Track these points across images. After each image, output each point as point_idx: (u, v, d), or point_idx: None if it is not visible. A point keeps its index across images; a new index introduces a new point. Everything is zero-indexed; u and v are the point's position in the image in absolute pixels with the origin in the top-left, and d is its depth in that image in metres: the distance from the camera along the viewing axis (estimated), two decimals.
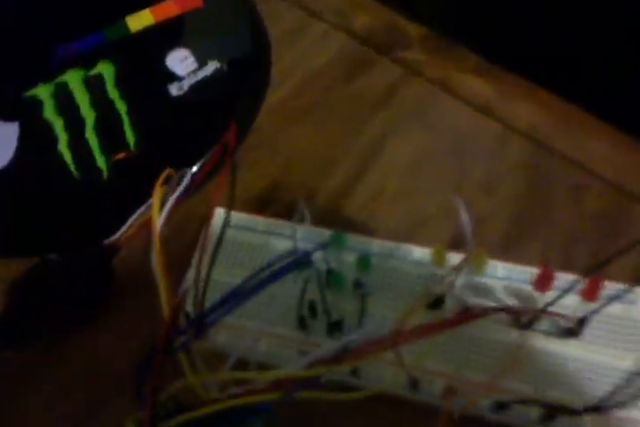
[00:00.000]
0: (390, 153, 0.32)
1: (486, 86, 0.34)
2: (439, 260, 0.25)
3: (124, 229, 0.26)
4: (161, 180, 0.21)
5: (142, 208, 0.26)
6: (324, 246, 0.24)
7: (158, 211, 0.20)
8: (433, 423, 0.20)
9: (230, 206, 0.23)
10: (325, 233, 0.27)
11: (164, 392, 0.20)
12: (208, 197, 0.26)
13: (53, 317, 0.25)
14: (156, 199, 0.20)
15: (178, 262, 0.26)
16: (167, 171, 0.22)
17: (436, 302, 0.25)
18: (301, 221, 0.25)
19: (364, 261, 0.25)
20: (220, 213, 0.27)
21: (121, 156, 0.29)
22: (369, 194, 0.31)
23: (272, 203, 0.30)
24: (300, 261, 0.22)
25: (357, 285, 0.25)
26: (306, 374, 0.19)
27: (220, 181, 0.25)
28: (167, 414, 0.20)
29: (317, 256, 0.24)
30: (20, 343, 0.25)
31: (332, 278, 0.25)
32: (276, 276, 0.20)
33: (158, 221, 0.20)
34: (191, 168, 0.25)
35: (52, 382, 0.25)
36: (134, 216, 0.26)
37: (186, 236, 0.28)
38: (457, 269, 0.23)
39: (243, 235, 0.28)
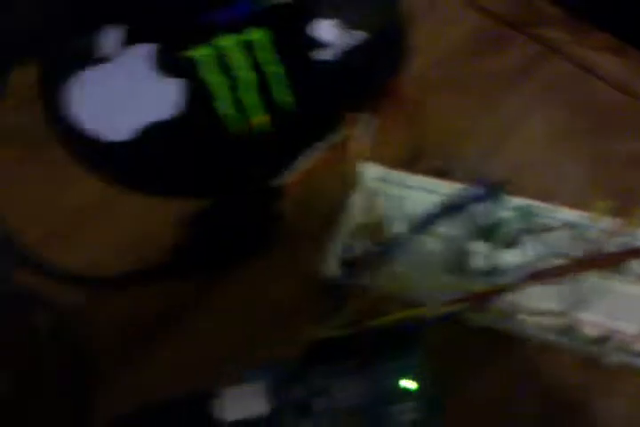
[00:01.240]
0: (528, 129, 0.32)
1: (624, 65, 0.34)
2: (597, 217, 0.25)
3: (286, 175, 0.28)
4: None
5: (302, 157, 0.28)
6: (479, 199, 0.25)
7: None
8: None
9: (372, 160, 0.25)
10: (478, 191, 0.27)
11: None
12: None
13: (221, 251, 0.27)
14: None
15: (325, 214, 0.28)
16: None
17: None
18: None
19: (525, 213, 0.26)
20: (368, 166, 0.29)
21: (259, 120, 0.31)
22: (506, 168, 0.31)
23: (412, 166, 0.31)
24: (456, 208, 0.23)
25: (513, 238, 0.26)
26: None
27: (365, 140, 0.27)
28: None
29: (473, 207, 0.25)
30: (187, 274, 0.27)
31: (489, 230, 0.25)
32: (435, 218, 0.21)
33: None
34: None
35: (209, 312, 0.27)
36: (296, 163, 0.28)
37: (332, 188, 0.29)
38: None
39: (390, 188, 0.28)
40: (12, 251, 0.28)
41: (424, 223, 0.24)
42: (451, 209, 0.24)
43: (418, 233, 0.24)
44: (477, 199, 0.24)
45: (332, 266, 0.26)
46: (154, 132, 0.31)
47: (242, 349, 0.26)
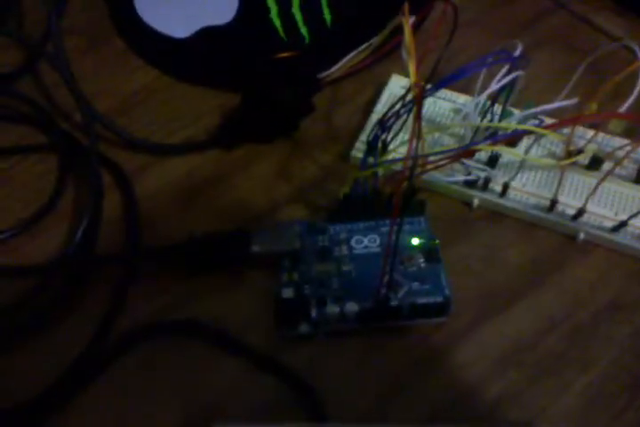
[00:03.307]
0: (534, 67, 0.36)
1: (619, 23, 0.39)
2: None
3: (325, 73, 0.32)
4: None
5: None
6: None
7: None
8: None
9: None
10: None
11: None
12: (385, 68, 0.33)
13: (260, 129, 0.31)
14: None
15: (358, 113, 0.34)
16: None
17: (594, 163, 0.30)
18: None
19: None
20: (396, 78, 0.33)
21: (285, 55, 0.35)
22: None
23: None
24: None
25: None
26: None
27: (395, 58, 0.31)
28: None
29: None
30: (232, 145, 0.31)
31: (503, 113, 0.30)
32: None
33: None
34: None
35: (250, 177, 0.32)
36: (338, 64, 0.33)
37: (364, 96, 0.34)
38: None
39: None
40: None
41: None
42: None
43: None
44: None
45: (360, 149, 0.31)
46: (208, 34, 0.35)
47: (274, 209, 0.31)
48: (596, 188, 0.28)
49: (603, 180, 0.27)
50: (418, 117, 0.24)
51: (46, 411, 0.26)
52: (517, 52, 0.28)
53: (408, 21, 0.27)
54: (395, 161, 0.29)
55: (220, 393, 0.26)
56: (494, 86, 0.29)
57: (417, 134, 0.24)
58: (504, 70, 0.28)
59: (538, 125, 0.30)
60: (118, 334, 0.27)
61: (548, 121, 0.30)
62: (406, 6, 0.28)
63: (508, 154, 0.31)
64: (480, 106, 0.31)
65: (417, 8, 0.35)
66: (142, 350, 0.27)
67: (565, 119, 0.25)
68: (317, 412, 0.26)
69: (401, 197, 0.24)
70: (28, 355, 0.27)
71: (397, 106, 0.29)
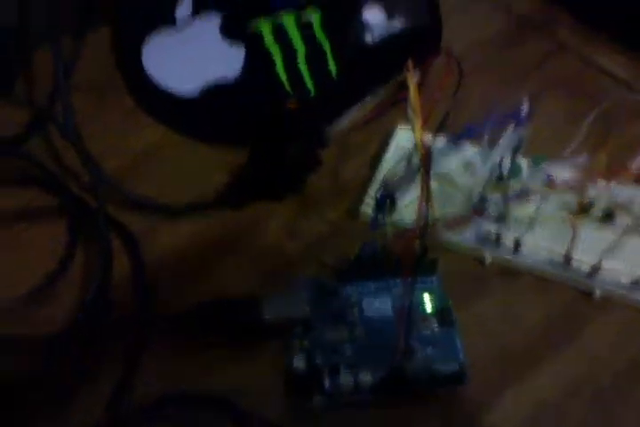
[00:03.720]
0: (540, 113, 0.36)
1: (627, 65, 0.39)
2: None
3: (331, 128, 0.32)
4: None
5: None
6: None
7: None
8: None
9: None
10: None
11: None
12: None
13: (266, 189, 0.31)
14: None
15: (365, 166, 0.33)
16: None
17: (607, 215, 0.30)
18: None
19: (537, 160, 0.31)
20: (402, 130, 0.33)
21: (292, 105, 0.35)
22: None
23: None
24: None
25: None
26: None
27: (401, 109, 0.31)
28: None
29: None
30: (240, 204, 0.31)
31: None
32: None
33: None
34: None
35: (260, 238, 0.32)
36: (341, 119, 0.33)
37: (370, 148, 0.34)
38: None
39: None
40: None
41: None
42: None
43: None
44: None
45: (369, 205, 0.31)
46: (216, 90, 0.35)
47: (283, 269, 0.30)
48: (612, 246, 0.27)
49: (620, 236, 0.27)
50: (426, 181, 0.24)
51: None
52: (524, 110, 0.28)
53: (413, 80, 0.27)
54: (403, 224, 0.29)
55: None
56: (502, 144, 0.29)
57: (426, 197, 0.24)
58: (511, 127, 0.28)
59: (548, 181, 0.30)
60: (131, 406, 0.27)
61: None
62: (410, 65, 0.28)
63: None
64: (488, 160, 0.31)
65: (421, 58, 0.35)
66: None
67: (575, 179, 0.25)
68: None
69: (412, 263, 0.24)
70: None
71: (403, 163, 0.29)
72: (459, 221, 0.27)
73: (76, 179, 0.33)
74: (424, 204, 0.25)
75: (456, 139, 0.27)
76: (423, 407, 0.27)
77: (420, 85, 0.28)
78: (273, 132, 0.32)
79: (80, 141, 0.32)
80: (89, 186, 0.32)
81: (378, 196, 0.30)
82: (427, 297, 0.28)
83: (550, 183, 0.30)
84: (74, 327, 0.28)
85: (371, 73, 0.37)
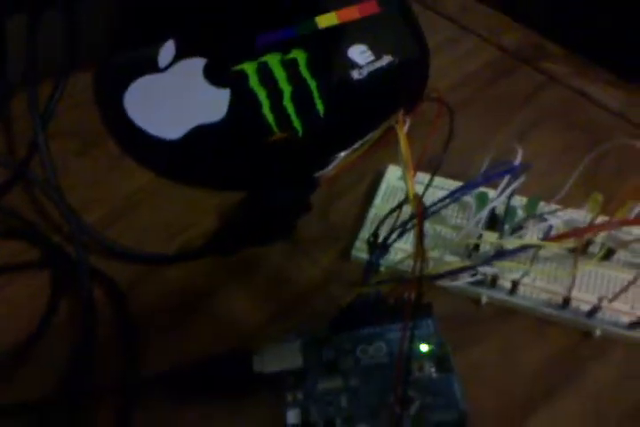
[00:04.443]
0: (534, 146, 0.36)
1: (617, 95, 0.39)
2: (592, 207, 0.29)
3: (321, 172, 0.32)
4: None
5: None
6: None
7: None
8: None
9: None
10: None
11: None
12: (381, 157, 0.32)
13: (255, 235, 0.30)
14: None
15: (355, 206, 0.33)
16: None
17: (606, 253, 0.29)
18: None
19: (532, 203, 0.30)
20: (393, 169, 0.33)
21: (280, 137, 0.35)
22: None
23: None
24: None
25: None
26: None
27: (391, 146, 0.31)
28: None
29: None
30: (229, 251, 0.30)
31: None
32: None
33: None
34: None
35: (245, 286, 0.31)
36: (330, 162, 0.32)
37: (360, 188, 0.34)
38: None
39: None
40: None
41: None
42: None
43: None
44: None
45: (360, 248, 0.30)
46: (201, 134, 0.35)
47: (274, 318, 0.29)
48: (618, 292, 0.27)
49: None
50: (419, 235, 0.23)
51: None
52: (517, 163, 0.27)
53: (403, 132, 0.26)
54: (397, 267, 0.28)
55: None
56: (498, 199, 0.28)
57: (420, 253, 0.23)
58: (505, 180, 0.28)
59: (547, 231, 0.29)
60: None
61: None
62: (401, 116, 0.27)
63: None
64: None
65: (411, 103, 0.35)
66: None
67: (574, 231, 0.25)
68: None
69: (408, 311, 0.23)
70: None
71: (394, 204, 0.28)
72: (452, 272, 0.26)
73: (58, 230, 0.33)
74: (419, 258, 0.24)
75: (450, 195, 0.26)
76: None
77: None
78: (260, 181, 0.32)
79: (59, 193, 0.31)
80: (70, 237, 0.31)
81: (370, 240, 0.29)
82: (424, 344, 0.27)
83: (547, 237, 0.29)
84: (58, 392, 0.27)
85: (359, 111, 0.36)
